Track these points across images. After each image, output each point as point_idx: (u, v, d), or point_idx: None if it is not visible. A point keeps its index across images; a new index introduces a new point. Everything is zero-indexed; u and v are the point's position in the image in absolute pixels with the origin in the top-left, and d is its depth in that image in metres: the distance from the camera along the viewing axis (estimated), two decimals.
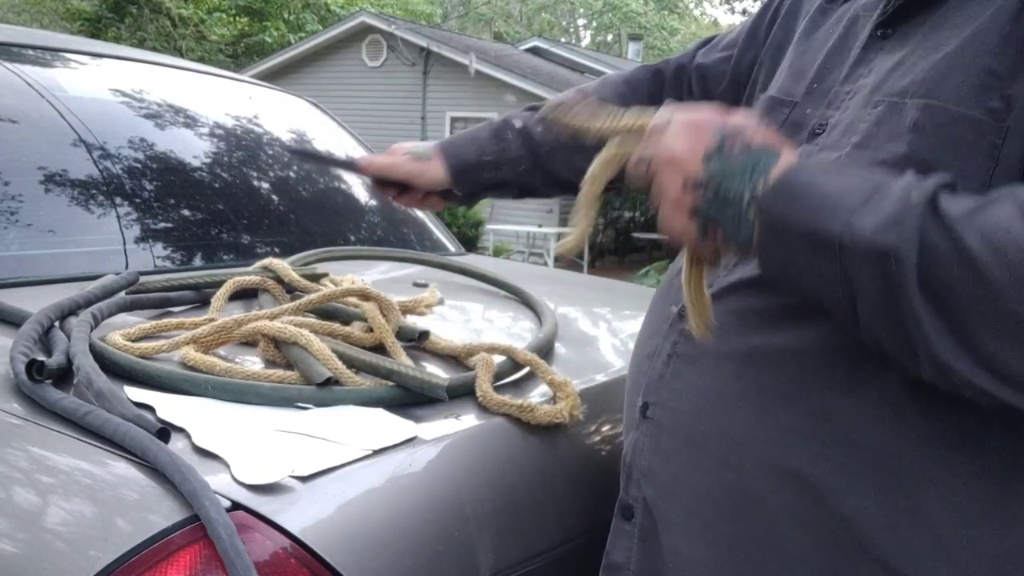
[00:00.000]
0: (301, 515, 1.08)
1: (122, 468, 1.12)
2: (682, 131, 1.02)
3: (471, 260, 2.71)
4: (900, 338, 0.92)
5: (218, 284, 1.80)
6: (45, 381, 1.30)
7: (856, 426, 1.05)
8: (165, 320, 1.63)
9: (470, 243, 14.18)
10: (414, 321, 1.77)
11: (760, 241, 0.99)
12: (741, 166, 0.99)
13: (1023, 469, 1.02)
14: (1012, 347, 0.86)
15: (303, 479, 1.12)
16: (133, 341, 1.51)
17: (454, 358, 1.67)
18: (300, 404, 1.35)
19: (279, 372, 1.42)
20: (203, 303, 1.80)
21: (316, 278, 1.87)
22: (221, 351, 1.56)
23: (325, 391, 1.37)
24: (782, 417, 1.10)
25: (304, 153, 1.61)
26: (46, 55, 2.49)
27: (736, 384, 1.15)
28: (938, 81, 1.03)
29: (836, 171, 1.00)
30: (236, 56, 27.92)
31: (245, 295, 1.84)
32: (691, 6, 48.69)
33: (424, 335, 1.67)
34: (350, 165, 1.78)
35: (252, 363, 1.51)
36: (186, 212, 2.30)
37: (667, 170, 1.02)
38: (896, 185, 0.93)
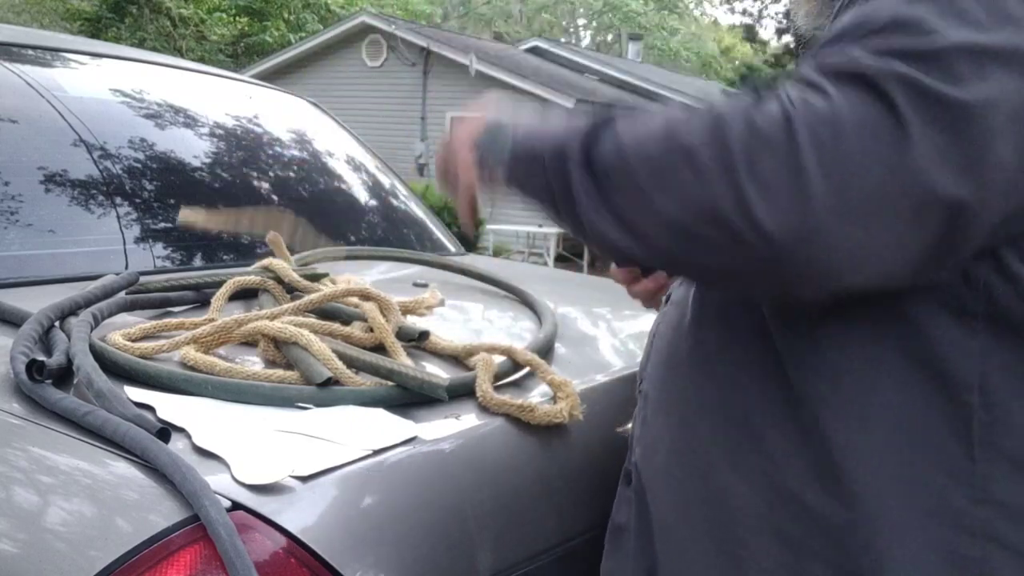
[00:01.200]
0: (301, 515, 1.09)
1: (122, 468, 1.12)
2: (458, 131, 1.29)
3: (471, 260, 2.71)
4: (576, 227, 1.10)
5: (218, 284, 1.80)
6: (45, 381, 1.30)
7: (777, 372, 1.12)
8: (165, 320, 1.63)
9: (470, 243, 14.17)
10: (414, 321, 1.77)
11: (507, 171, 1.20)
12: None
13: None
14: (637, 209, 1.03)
15: (303, 479, 1.12)
16: (133, 341, 1.51)
17: (454, 358, 1.67)
18: (300, 404, 1.35)
19: (279, 372, 1.43)
20: (203, 303, 1.80)
21: (316, 278, 1.87)
22: (221, 351, 1.57)
23: (325, 391, 1.38)
24: (719, 369, 1.19)
25: None
26: (46, 55, 2.49)
27: (684, 346, 1.25)
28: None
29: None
30: (236, 56, 27.91)
31: (245, 295, 1.84)
32: (691, 6, 48.67)
33: (424, 335, 1.67)
34: None
35: (252, 363, 1.51)
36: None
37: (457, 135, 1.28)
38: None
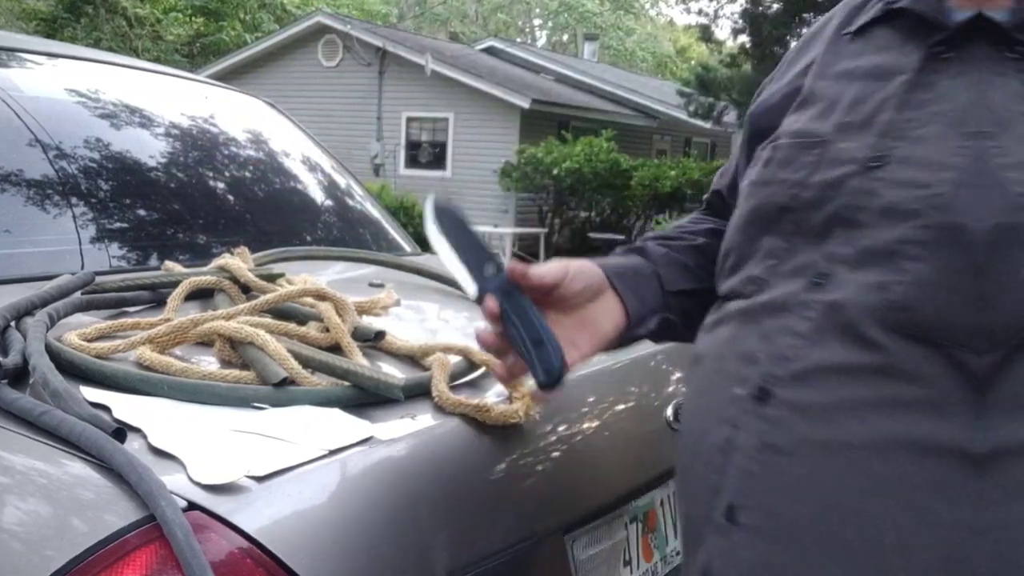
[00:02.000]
0: (257, 515, 1.09)
1: (78, 468, 1.12)
2: None
3: (427, 260, 2.71)
4: None
5: (174, 284, 1.79)
6: (1, 381, 1.30)
7: None
8: (121, 320, 1.62)
9: (426, 243, 14.12)
10: (370, 321, 1.78)
11: None
12: None
13: None
14: None
15: (259, 479, 1.13)
16: (89, 341, 1.50)
17: (410, 358, 1.67)
18: (256, 404, 1.35)
19: (235, 372, 1.43)
20: (159, 303, 1.79)
21: (272, 278, 1.87)
22: (177, 351, 1.56)
23: (281, 391, 1.38)
24: (946, 513, 0.96)
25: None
26: (1, 55, 2.47)
27: (871, 476, 1.00)
28: None
29: None
30: (192, 56, 27.75)
31: (201, 295, 1.83)
32: (647, 6, 48.84)
33: (380, 335, 1.67)
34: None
35: (208, 363, 1.51)
36: (142, 212, 2.29)
37: None
38: None
